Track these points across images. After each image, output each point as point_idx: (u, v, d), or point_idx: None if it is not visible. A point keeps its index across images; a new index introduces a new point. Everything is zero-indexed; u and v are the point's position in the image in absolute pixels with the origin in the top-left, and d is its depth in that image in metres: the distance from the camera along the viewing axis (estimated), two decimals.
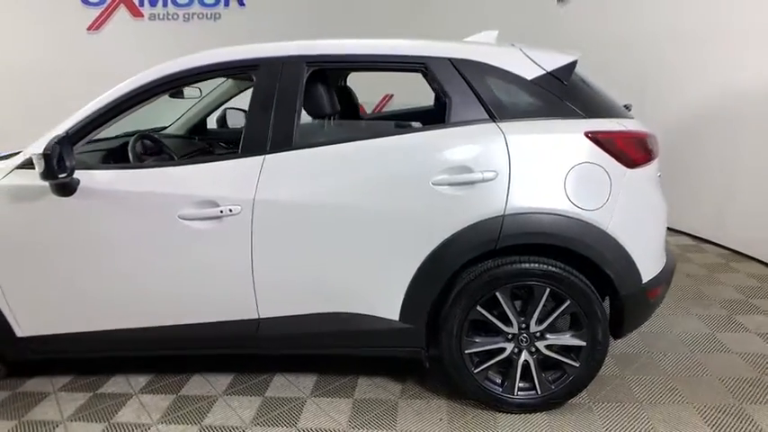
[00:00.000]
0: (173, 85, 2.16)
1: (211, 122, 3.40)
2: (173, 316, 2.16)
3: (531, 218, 1.94)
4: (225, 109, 3.33)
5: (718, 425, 2.03)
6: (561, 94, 2.06)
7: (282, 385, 2.39)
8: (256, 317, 2.13)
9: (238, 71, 2.19)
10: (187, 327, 2.15)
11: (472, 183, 1.95)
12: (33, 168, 2.05)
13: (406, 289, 2.04)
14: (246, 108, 3.21)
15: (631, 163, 1.99)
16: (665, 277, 2.16)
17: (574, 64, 2.10)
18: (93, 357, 2.52)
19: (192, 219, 2.01)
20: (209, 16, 5.91)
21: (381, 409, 2.20)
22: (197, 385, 2.43)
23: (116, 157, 2.50)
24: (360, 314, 2.10)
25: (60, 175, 1.88)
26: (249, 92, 2.95)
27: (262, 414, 2.19)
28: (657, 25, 4.16)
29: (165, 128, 3.26)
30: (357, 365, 2.47)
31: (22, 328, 2.21)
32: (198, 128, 3.30)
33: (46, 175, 1.87)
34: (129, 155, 2.37)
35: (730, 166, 3.87)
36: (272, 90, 2.07)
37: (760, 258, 3.68)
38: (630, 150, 1.99)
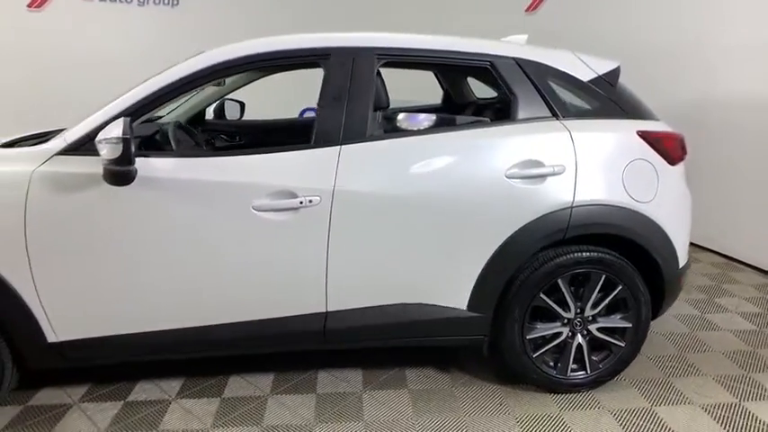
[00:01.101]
0: (232, 71, 2.06)
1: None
2: (238, 313, 2.05)
3: (596, 209, 2.09)
4: (223, 100, 3.19)
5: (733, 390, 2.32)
6: (611, 96, 2.24)
7: (240, 386, 2.31)
8: (324, 310, 2.09)
9: (306, 60, 2.12)
10: (251, 324, 2.05)
11: (543, 176, 2.06)
12: (76, 154, 1.89)
13: (475, 279, 2.11)
14: (242, 100, 3.25)
15: (672, 160, 2.22)
16: (688, 265, 2.42)
17: (619, 69, 2.30)
18: (103, 365, 2.27)
19: (268, 210, 1.93)
20: (166, 2, 5.55)
21: (346, 402, 2.21)
22: (238, 387, 2.33)
23: (146, 144, 2.31)
24: (427, 304, 2.14)
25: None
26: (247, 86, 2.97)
27: (222, 415, 2.12)
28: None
29: (161, 117, 3.05)
30: (315, 360, 2.46)
31: (57, 332, 1.98)
32: (196, 118, 3.12)
33: (121, 161, 1.71)
34: (172, 143, 2.20)
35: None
36: (344, 81, 2.05)
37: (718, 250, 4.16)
38: (672, 149, 2.22)
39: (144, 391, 2.30)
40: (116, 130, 1.70)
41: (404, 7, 5.56)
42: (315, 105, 2.12)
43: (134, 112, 1.92)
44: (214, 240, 1.95)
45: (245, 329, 2.06)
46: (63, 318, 1.96)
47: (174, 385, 2.34)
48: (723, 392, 2.31)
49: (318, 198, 1.94)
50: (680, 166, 2.27)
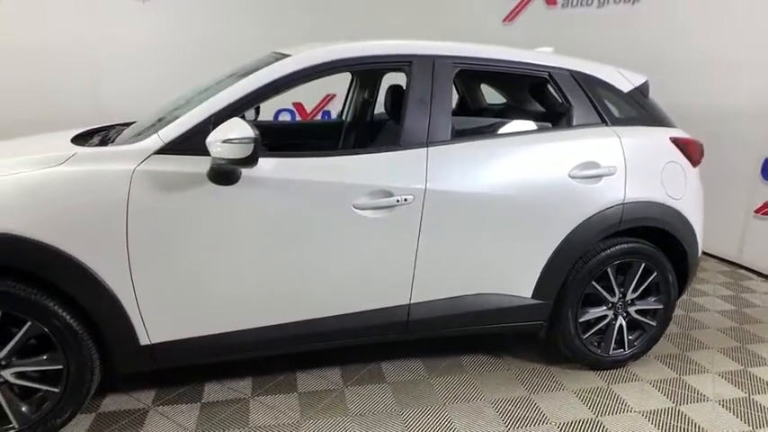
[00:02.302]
0: (324, 73, 2.11)
1: None
2: (333, 307, 2.12)
3: (643, 206, 2.38)
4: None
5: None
6: (645, 106, 2.55)
7: (218, 390, 2.31)
8: (407, 302, 2.21)
9: (391, 65, 2.23)
10: (345, 317, 2.13)
11: (599, 176, 2.32)
12: (173, 154, 1.88)
13: (541, 269, 2.33)
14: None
15: (695, 163, 2.56)
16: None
17: (648, 82, 2.61)
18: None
19: (367, 208, 2.03)
20: None
21: (330, 399, 2.26)
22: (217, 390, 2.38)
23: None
24: (499, 294, 2.33)
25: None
26: None
27: (205, 420, 2.11)
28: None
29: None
30: (289, 361, 2.47)
31: (151, 335, 1.94)
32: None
33: (248, 160, 1.73)
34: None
35: None
36: (427, 86, 2.18)
37: None
38: (695, 153, 2.56)
39: (214, 392, 2.30)
40: (237, 131, 1.72)
41: (381, 13, 5.66)
42: (290, 106, 2.22)
43: (229, 114, 1.93)
44: (317, 238, 2.02)
45: (339, 322, 2.14)
46: (157, 319, 1.94)
47: (243, 384, 2.35)
48: (730, 362, 2.70)
49: (412, 197, 2.07)
50: (698, 169, 2.63)
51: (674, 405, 2.33)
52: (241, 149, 1.72)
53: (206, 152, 1.83)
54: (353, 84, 3.35)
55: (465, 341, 2.69)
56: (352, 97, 3.39)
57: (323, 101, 6.05)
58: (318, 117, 5.35)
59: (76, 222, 1.78)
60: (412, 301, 2.22)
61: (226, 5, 4.97)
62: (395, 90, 2.83)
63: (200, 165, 1.84)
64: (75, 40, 4.52)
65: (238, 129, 1.74)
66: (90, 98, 4.60)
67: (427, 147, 2.13)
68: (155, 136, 1.90)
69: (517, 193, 2.22)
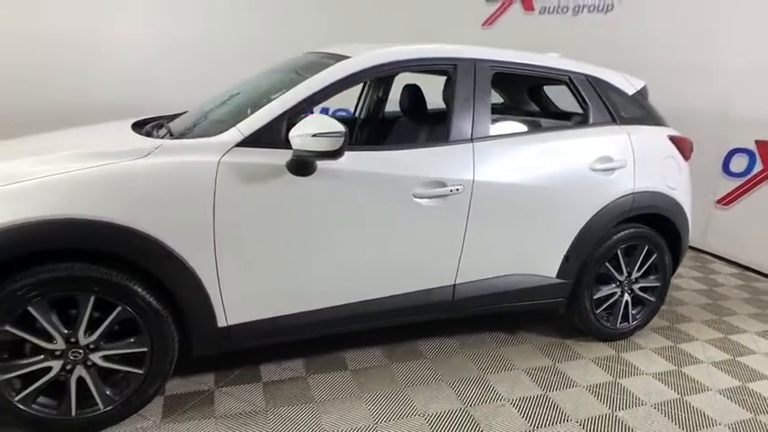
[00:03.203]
0: (381, 74, 2.30)
1: None
2: (392, 287, 2.31)
3: (649, 195, 2.72)
4: None
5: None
6: (645, 107, 2.90)
7: (274, 370, 2.42)
8: (453, 283, 2.44)
9: (439, 66, 2.43)
10: (399, 297, 2.33)
11: (613, 169, 2.63)
12: (252, 146, 2.01)
13: (565, 251, 2.62)
14: None
15: (686, 158, 2.94)
16: None
17: (646, 86, 2.96)
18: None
19: (424, 197, 2.23)
20: None
21: (294, 387, 2.32)
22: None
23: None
24: (530, 274, 2.60)
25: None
26: None
27: (170, 412, 2.11)
28: None
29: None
30: (252, 353, 2.45)
31: (228, 317, 2.07)
32: None
33: (336, 153, 1.90)
34: None
35: None
36: (470, 86, 2.41)
37: None
38: (687, 149, 2.94)
39: (271, 372, 2.43)
40: (325, 125, 1.88)
41: (365, 17, 5.82)
42: None
43: (300, 110, 2.08)
44: (381, 224, 2.20)
45: (395, 302, 2.33)
46: (235, 301, 2.06)
47: (297, 364, 2.50)
48: (713, 332, 3.11)
49: (462, 187, 2.29)
50: (688, 163, 3.00)
51: (676, 368, 2.68)
52: (331, 143, 1.88)
53: (280, 145, 2.00)
54: (367, 83, 3.53)
55: (478, 321, 2.93)
56: (367, 95, 3.57)
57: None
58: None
59: (167, 210, 1.88)
60: (457, 282, 2.44)
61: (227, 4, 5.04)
62: (411, 89, 3.04)
63: (277, 157, 1.99)
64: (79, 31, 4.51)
65: (326, 123, 1.90)
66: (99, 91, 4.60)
67: (472, 142, 2.37)
68: (233, 129, 2.02)
69: (547, 184, 2.50)
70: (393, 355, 2.63)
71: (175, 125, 2.41)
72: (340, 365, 2.52)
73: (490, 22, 5.95)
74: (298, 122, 1.95)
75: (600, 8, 5.21)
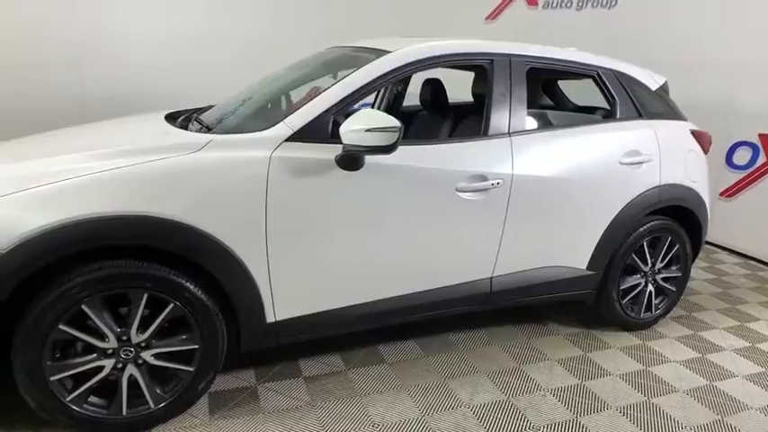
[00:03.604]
0: (420, 69, 2.29)
1: None
2: (435, 280, 2.33)
3: (674, 188, 2.78)
4: None
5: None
6: (668, 102, 2.96)
7: (312, 365, 2.43)
8: (490, 275, 2.46)
9: (475, 61, 2.44)
10: (441, 290, 2.35)
11: (641, 163, 2.68)
12: (300, 141, 2.00)
13: (595, 244, 2.66)
14: None
15: (706, 151, 3.01)
16: None
17: (667, 81, 3.02)
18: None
19: (467, 191, 2.25)
20: None
21: (336, 381, 2.33)
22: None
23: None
24: (563, 266, 2.64)
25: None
26: None
27: (217, 409, 2.10)
28: None
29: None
30: (289, 349, 2.45)
31: (277, 312, 2.06)
32: None
33: (390, 147, 1.90)
34: None
35: None
36: (506, 81, 2.43)
37: None
38: (706, 143, 3.01)
39: (310, 367, 2.43)
40: (380, 120, 1.89)
41: (365, 10, 5.79)
42: None
43: (345, 106, 2.08)
44: (426, 218, 2.21)
45: (435, 295, 2.35)
46: (285, 297, 2.06)
47: (334, 359, 2.50)
48: (729, 320, 3.21)
49: (502, 180, 2.31)
50: (706, 156, 3.08)
51: (701, 355, 2.76)
52: (386, 137, 1.89)
53: (327, 139, 2.00)
54: None
55: (505, 313, 2.96)
56: (385, 90, 3.57)
57: (309, 93, 6.13)
58: None
59: (221, 205, 1.86)
60: (494, 275, 2.47)
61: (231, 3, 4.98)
62: (433, 83, 3.05)
63: (325, 151, 1.99)
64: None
65: (381, 118, 1.90)
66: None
67: (510, 136, 2.39)
68: (282, 124, 2.00)
69: (580, 177, 2.54)
70: (429, 348, 2.65)
71: (208, 118, 2.39)
72: (377, 359, 2.53)
73: (494, 16, 5.98)
74: (346, 117, 1.95)
75: (604, 3, 5.27)
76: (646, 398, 2.35)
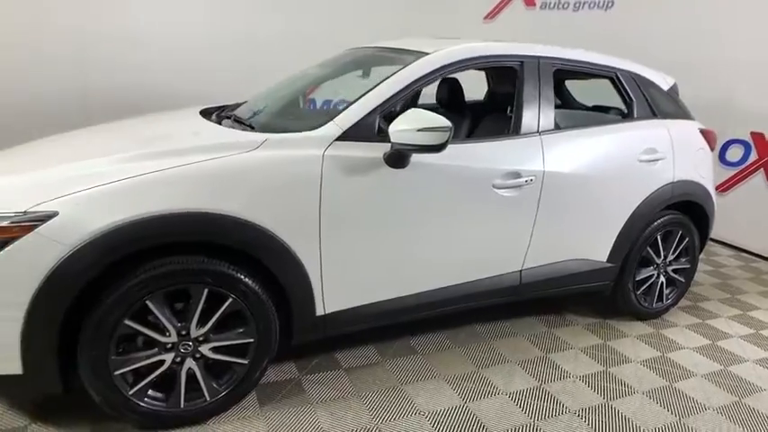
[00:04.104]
0: (457, 70, 2.38)
1: None
2: (471, 273, 2.43)
3: (686, 184, 2.94)
4: None
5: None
6: (678, 102, 3.11)
7: (350, 358, 2.50)
8: (520, 268, 2.57)
9: (507, 63, 2.53)
10: (475, 282, 2.45)
11: (657, 160, 2.83)
12: (349, 140, 2.07)
13: (615, 237, 2.80)
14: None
15: (712, 149, 3.18)
16: None
17: (676, 83, 3.17)
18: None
19: (502, 187, 2.35)
20: None
21: (375, 372, 2.40)
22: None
23: None
24: (584, 259, 2.76)
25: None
26: None
27: (266, 401, 2.16)
28: None
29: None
30: (325, 343, 2.47)
31: (327, 305, 2.13)
32: None
33: (441, 147, 1.98)
34: None
35: None
36: (536, 83, 2.53)
37: None
38: (712, 141, 3.17)
39: (348, 359, 2.50)
40: (430, 120, 1.96)
41: (364, 10, 5.84)
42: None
43: (389, 106, 2.16)
44: (467, 214, 2.31)
45: (472, 287, 2.45)
46: (334, 290, 2.12)
47: (369, 351, 2.58)
48: (732, 309, 3.39)
49: (534, 177, 2.42)
50: (712, 153, 3.25)
51: (711, 342, 2.93)
52: (438, 137, 1.97)
53: (374, 138, 2.08)
54: None
55: (523, 304, 3.06)
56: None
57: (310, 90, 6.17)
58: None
59: (278, 202, 1.92)
60: (524, 267, 2.58)
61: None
62: (450, 82, 3.13)
63: (372, 149, 2.06)
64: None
65: (431, 118, 1.98)
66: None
67: (540, 135, 2.50)
68: (331, 124, 2.06)
69: (603, 174, 2.66)
70: (457, 339, 2.75)
71: (246, 116, 2.43)
72: (409, 351, 2.61)
73: (492, 16, 6.09)
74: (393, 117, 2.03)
75: (600, 5, 5.44)
76: (668, 382, 2.50)
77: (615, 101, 3.05)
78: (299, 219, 1.97)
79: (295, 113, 2.64)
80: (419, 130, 1.96)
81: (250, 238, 1.88)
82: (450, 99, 3.14)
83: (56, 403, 2.01)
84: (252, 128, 2.22)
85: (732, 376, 2.59)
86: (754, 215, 4.51)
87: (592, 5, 5.51)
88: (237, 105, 2.80)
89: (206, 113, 2.56)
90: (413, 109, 2.05)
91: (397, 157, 2.05)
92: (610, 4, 5.38)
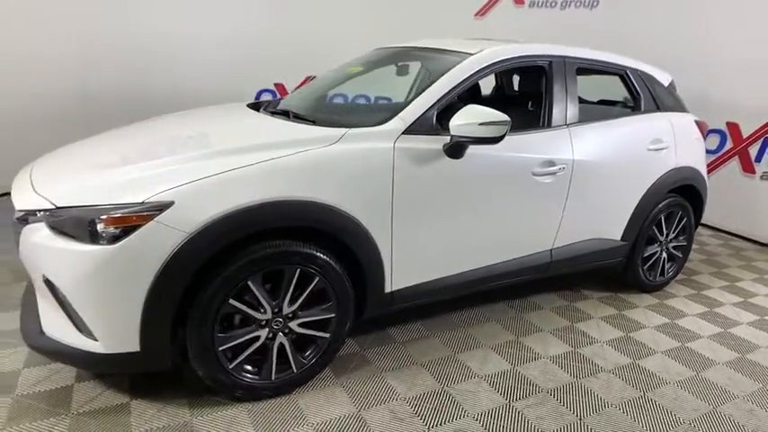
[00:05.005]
0: (498, 69, 2.63)
1: None
2: (513, 252, 2.70)
3: (685, 170, 3.30)
4: None
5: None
6: (676, 96, 3.46)
7: (401, 333, 2.72)
8: (551, 247, 2.87)
9: (539, 62, 2.79)
10: (515, 260, 2.73)
11: (662, 149, 3.17)
12: (412, 134, 2.29)
13: (628, 218, 3.13)
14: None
15: (704, 139, 3.55)
16: None
17: (673, 79, 3.53)
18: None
19: (540, 175, 2.62)
20: None
21: (429, 345, 2.60)
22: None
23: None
24: (603, 238, 3.08)
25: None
26: None
27: (340, 372, 2.41)
28: None
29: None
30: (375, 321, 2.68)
31: (394, 282, 2.35)
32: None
33: (498, 139, 2.22)
34: None
35: None
36: (563, 80, 2.82)
37: None
38: (704, 131, 3.55)
39: (399, 334, 2.74)
40: (489, 115, 2.21)
41: (355, 7, 6.02)
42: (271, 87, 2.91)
43: (444, 102, 2.39)
44: (512, 199, 2.58)
45: (511, 266, 2.73)
46: (401, 268, 2.35)
47: (418, 326, 2.82)
48: (721, 281, 3.80)
49: (566, 165, 2.71)
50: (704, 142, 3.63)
51: (709, 309, 3.31)
52: (497, 130, 2.21)
53: (432, 131, 2.31)
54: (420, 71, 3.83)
55: (539, 282, 3.36)
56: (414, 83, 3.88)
57: (303, 82, 6.31)
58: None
59: (359, 189, 2.14)
60: (554, 246, 2.88)
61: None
62: None
63: (432, 141, 2.30)
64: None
65: (490, 113, 2.22)
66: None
67: (568, 127, 2.78)
68: (397, 119, 2.28)
69: (621, 162, 2.98)
70: (494, 311, 3.03)
71: (300, 111, 2.62)
72: (453, 324, 2.87)
73: (482, 12, 6.37)
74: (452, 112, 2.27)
75: (586, 4, 5.80)
76: (680, 343, 2.85)
77: (609, 95, 3.41)
78: (376, 204, 2.19)
79: (350, 109, 2.84)
80: (481, 124, 2.20)
81: (338, 224, 2.08)
82: (468, 93, 3.39)
83: (148, 380, 2.16)
84: (313, 122, 2.41)
85: (733, 337, 2.97)
86: (731, 198, 4.97)
87: (578, 4, 5.87)
88: (277, 102, 2.98)
89: (255, 107, 2.74)
90: (470, 105, 2.29)
91: (456, 149, 2.28)
92: (595, 4, 5.75)
